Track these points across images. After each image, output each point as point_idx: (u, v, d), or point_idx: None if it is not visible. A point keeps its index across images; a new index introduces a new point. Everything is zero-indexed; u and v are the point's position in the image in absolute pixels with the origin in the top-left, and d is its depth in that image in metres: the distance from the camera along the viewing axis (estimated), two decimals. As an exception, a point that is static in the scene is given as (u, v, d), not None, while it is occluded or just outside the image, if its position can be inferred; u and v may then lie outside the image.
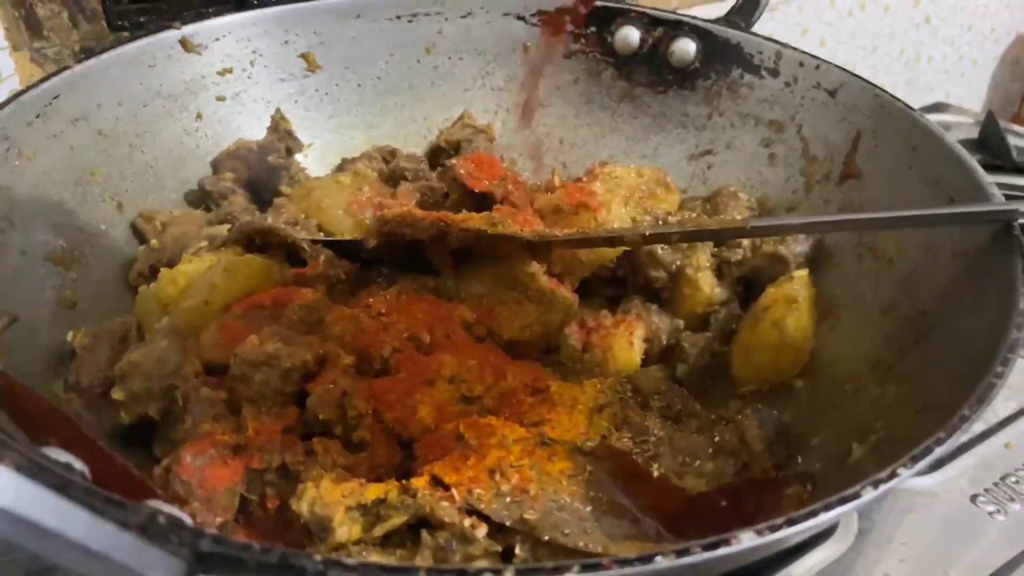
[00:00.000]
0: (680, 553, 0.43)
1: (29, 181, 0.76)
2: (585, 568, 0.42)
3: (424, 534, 0.57)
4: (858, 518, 0.80)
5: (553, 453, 0.61)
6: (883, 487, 0.47)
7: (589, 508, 0.58)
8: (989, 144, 1.38)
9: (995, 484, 0.87)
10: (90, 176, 0.83)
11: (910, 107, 0.83)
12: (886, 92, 0.85)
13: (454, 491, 0.59)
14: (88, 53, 0.91)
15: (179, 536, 0.41)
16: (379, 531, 0.58)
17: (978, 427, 0.91)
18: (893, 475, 0.48)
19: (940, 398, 0.62)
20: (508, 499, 0.58)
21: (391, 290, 0.75)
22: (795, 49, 0.93)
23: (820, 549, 0.77)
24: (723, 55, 0.97)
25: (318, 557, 0.41)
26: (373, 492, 0.60)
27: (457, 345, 0.71)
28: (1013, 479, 0.87)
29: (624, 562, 0.43)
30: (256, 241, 0.76)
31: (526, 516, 0.57)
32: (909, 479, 0.50)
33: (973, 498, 0.85)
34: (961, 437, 0.52)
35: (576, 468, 0.61)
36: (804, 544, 0.77)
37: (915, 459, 0.49)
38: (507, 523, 0.57)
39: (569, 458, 0.61)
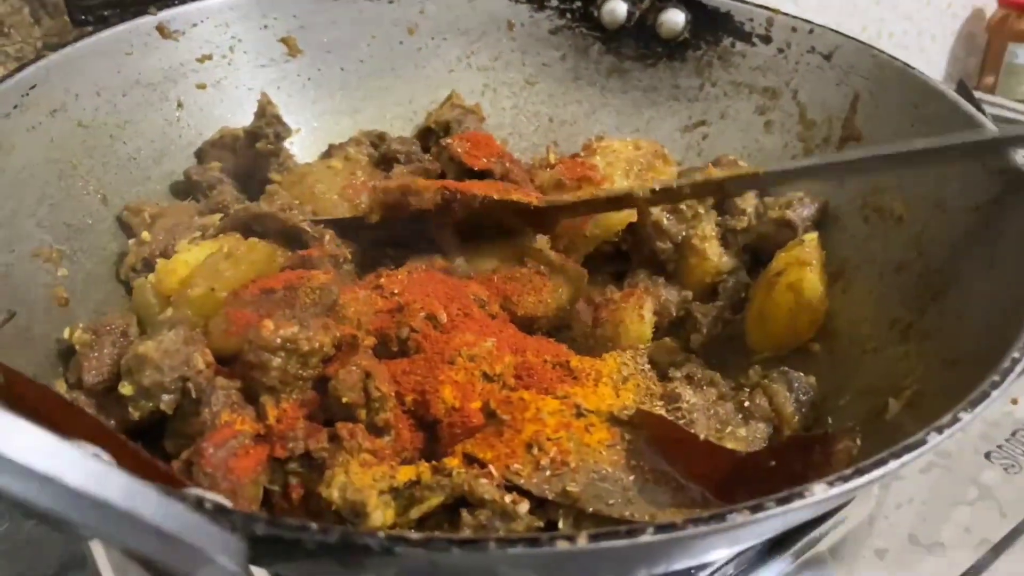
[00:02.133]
0: (754, 509, 0.42)
1: (10, 175, 0.73)
2: (660, 529, 0.41)
3: (463, 513, 0.55)
4: (878, 480, 0.80)
5: (590, 424, 0.60)
6: (947, 431, 0.46)
7: (631, 477, 0.57)
8: (962, 112, 1.39)
9: (1007, 440, 0.87)
10: (72, 169, 0.79)
11: (909, 65, 0.83)
12: (883, 52, 0.85)
13: (491, 468, 0.57)
14: (52, 49, 0.87)
15: (231, 521, 0.39)
16: (415, 513, 0.56)
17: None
18: (955, 420, 0.47)
19: (970, 349, 0.62)
20: (548, 472, 0.56)
21: (402, 270, 0.72)
22: (787, 15, 0.93)
23: (842, 513, 0.77)
24: (713, 24, 0.96)
25: (381, 534, 0.39)
26: (405, 474, 0.58)
27: (474, 323, 0.69)
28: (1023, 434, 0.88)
29: (699, 520, 0.41)
30: (254, 227, 0.73)
31: (568, 489, 0.55)
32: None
33: (987, 455, 0.85)
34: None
35: (615, 438, 0.59)
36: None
37: (973, 403, 0.48)
38: (549, 497, 0.56)
39: (607, 428, 0.59)
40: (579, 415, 0.60)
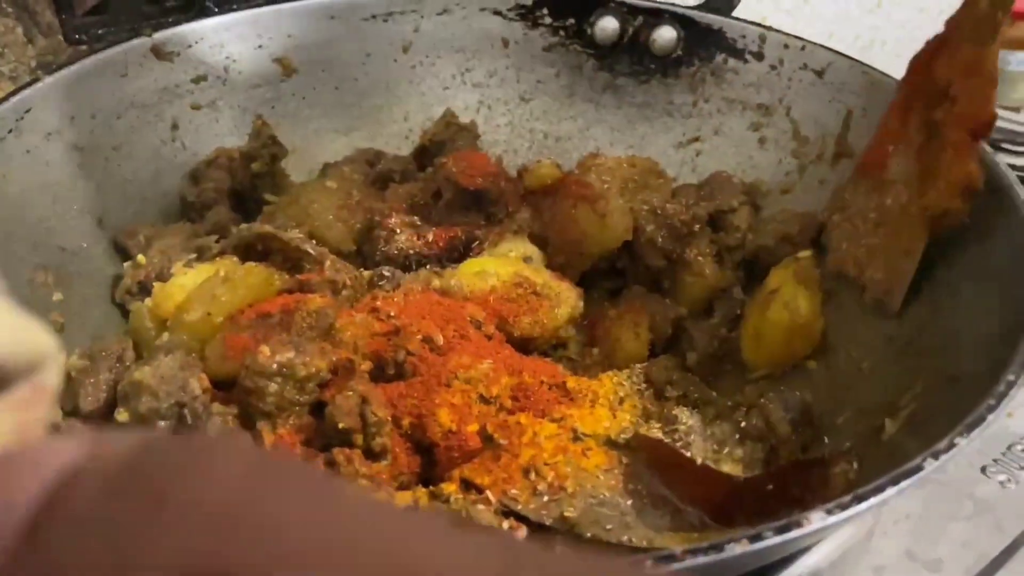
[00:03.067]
0: (753, 539, 0.42)
1: (5, 199, 0.73)
2: (660, 560, 0.41)
3: (461, 540, 0.55)
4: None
5: (587, 448, 0.60)
6: (944, 457, 0.47)
7: (629, 501, 0.57)
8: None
9: (1002, 454, 0.87)
10: (67, 192, 0.79)
11: (900, 83, 0.83)
12: (875, 69, 0.86)
13: (488, 493, 0.57)
14: (46, 69, 0.87)
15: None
16: (413, 540, 0.56)
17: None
18: (952, 445, 0.47)
19: (968, 367, 0.62)
20: (546, 498, 0.57)
21: (398, 292, 0.73)
22: (779, 32, 0.93)
23: (839, 534, 0.77)
24: (706, 41, 0.96)
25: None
26: (402, 500, 0.58)
27: (471, 344, 0.69)
28: (1020, 447, 0.87)
29: (697, 551, 0.41)
30: (257, 247, 0.73)
31: (566, 514, 0.56)
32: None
33: (983, 469, 0.85)
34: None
35: (612, 462, 0.59)
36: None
37: (970, 427, 0.48)
38: (547, 522, 0.56)
39: (604, 452, 0.60)
40: (576, 439, 0.60)
